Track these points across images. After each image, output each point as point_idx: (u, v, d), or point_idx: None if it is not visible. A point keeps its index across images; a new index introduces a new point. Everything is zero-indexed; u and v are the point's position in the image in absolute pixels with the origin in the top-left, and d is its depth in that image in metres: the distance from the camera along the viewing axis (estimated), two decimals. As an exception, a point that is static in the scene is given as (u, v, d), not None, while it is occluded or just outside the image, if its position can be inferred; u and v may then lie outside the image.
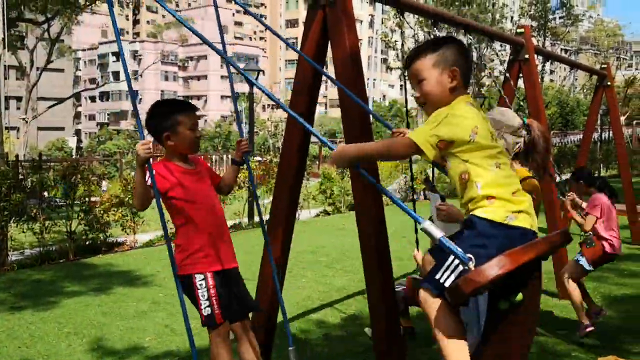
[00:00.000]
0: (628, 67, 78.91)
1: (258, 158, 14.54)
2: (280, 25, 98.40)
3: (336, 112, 69.92)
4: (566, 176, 20.44)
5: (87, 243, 9.95)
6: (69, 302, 6.91)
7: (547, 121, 6.15)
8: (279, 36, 4.09)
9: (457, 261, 2.28)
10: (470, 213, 2.41)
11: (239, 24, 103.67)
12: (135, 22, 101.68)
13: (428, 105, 2.50)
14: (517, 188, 2.43)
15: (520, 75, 7.04)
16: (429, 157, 2.35)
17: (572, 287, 5.53)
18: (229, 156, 39.59)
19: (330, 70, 4.19)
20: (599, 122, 24.34)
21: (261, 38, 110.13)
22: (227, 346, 3.41)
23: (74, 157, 47.53)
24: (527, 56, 6.93)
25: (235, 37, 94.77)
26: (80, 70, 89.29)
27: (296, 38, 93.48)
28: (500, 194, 2.36)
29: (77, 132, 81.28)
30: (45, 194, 10.16)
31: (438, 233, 2.28)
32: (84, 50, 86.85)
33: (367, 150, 2.56)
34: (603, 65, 9.82)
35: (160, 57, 78.60)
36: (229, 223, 12.44)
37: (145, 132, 3.38)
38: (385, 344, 3.78)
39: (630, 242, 10.04)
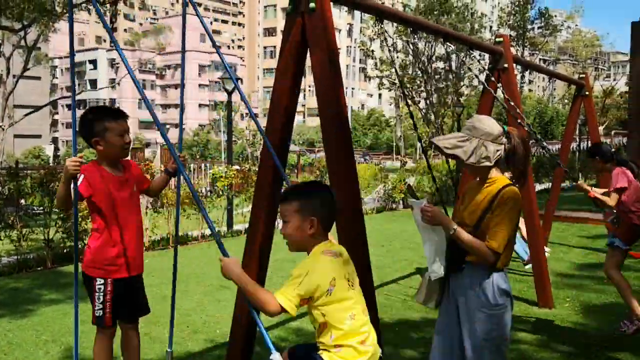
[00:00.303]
0: (606, 78, 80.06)
1: (237, 167, 14.48)
2: (258, 34, 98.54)
3: (315, 121, 70.01)
4: (544, 185, 20.59)
5: (65, 251, 9.80)
6: (46, 310, 6.82)
7: (526, 131, 6.22)
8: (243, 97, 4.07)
9: None
10: (320, 352, 2.63)
11: (217, 32, 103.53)
12: (113, 30, 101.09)
13: (289, 243, 2.74)
14: (366, 336, 2.63)
15: (499, 84, 7.11)
16: (293, 315, 2.54)
17: (618, 278, 5.51)
18: (207, 165, 39.47)
19: (310, 78, 4.20)
20: (577, 132, 24.68)
21: (239, 47, 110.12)
22: (108, 345, 3.84)
23: (50, 164, 46.95)
24: (505, 65, 7.01)
25: (213, 46, 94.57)
26: (57, 78, 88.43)
27: (274, 46, 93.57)
28: (348, 344, 2.58)
29: (54, 140, 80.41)
30: (23, 201, 10.00)
31: None
32: (60, 58, 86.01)
33: (245, 287, 2.60)
34: (581, 75, 9.94)
35: (138, 66, 78.19)
36: (209, 231, 12.42)
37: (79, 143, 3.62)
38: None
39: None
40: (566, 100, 71.00)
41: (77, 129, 3.64)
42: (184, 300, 7.19)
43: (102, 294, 3.66)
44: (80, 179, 3.47)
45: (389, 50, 5.27)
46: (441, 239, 3.32)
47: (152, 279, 8.47)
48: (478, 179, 3.35)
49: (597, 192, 5.80)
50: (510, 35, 33.30)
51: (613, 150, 5.96)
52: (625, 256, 5.69)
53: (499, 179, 3.27)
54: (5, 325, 6.25)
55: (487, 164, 3.23)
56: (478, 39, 22.73)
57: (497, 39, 7.17)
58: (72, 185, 3.41)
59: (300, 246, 2.71)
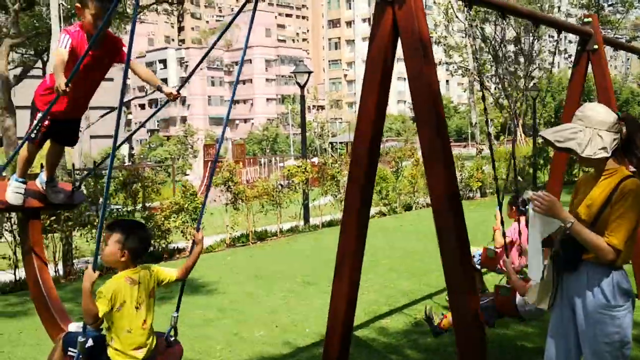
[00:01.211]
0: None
1: (314, 159, 14.42)
2: (323, 26, 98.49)
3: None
4: None
5: (150, 250, 10.01)
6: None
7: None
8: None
9: None
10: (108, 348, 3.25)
11: (281, 26, 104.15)
12: (180, 29, 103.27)
13: (104, 261, 3.36)
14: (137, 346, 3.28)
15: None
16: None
17: None
18: (277, 159, 39.81)
19: (401, 66, 4.04)
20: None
21: (304, 39, 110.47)
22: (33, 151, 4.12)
23: (126, 163, 48.46)
24: (595, 46, 6.65)
25: (279, 40, 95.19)
26: (129, 78, 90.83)
27: (338, 38, 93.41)
28: (122, 349, 3.24)
29: (129, 139, 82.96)
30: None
31: None
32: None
33: (85, 297, 3.19)
34: (670, 52, 9.35)
35: (206, 63, 79.62)
36: (286, 226, 12.47)
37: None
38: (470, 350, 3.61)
39: None
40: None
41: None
42: (269, 298, 7.18)
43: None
44: (67, 41, 3.71)
45: (466, 35, 5.04)
46: (545, 233, 3.08)
47: (237, 277, 8.55)
48: (594, 171, 3.12)
49: None
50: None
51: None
52: None
53: (618, 170, 3.04)
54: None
55: (604, 155, 2.99)
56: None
57: (586, 19, 6.79)
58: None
59: (112, 265, 3.35)
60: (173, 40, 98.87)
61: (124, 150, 64.08)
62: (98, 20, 3.74)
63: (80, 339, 3.21)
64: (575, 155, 3.04)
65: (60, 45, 3.74)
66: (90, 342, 3.23)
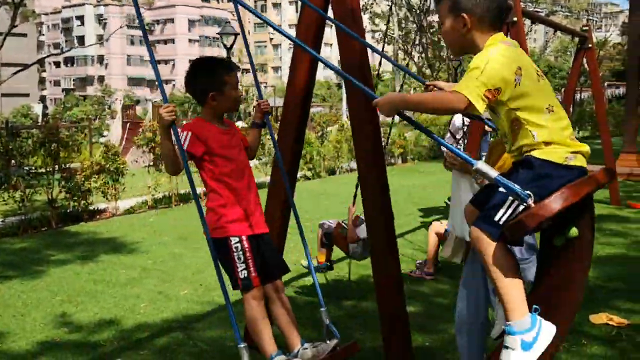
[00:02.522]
0: (598, 29, 79.55)
1: (239, 123, 14.39)
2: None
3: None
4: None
5: (69, 211, 9.81)
6: (57, 271, 6.84)
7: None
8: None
9: (514, 200, 2.32)
10: (527, 154, 2.43)
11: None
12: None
13: (451, 49, 2.62)
14: (571, 130, 2.47)
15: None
16: (480, 111, 2.33)
17: None
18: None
19: (327, 32, 4.14)
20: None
21: (228, 0, 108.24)
22: (262, 308, 3.32)
23: (39, 123, 46.52)
24: (515, 19, 6.92)
25: (203, 0, 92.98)
26: (43, 35, 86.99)
27: (265, 0, 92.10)
28: (558, 139, 2.40)
29: (42, 99, 79.56)
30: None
31: (493, 173, 2.31)
32: (46, 14, 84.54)
33: (415, 102, 2.54)
34: (584, 28, 9.87)
35: (126, 21, 76.89)
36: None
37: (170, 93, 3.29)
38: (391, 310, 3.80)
39: (609, 202, 10.26)
40: (559, 53, 70.70)
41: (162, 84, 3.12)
42: (194, 259, 7.22)
43: (241, 252, 3.25)
44: (188, 138, 3.18)
45: (392, 3, 5.17)
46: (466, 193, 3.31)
47: (161, 237, 8.53)
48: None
49: None
50: (506, -13, 32.84)
51: None
52: None
53: None
54: (18, 286, 6.26)
55: None
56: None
57: (506, -8, 7.05)
58: (181, 138, 3.11)
59: (462, 49, 2.59)
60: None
61: (38, 109, 61.48)
62: None
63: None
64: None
65: None
66: None
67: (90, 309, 5.52)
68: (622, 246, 7.45)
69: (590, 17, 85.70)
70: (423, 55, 31.96)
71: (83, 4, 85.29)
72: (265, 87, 75.62)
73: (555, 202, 2.25)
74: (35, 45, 69.02)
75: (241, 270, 3.23)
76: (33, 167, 9.77)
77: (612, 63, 56.70)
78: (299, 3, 4.14)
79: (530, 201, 2.25)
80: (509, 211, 2.35)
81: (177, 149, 3.07)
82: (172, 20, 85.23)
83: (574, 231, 2.47)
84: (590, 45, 9.76)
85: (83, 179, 9.77)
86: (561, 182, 2.34)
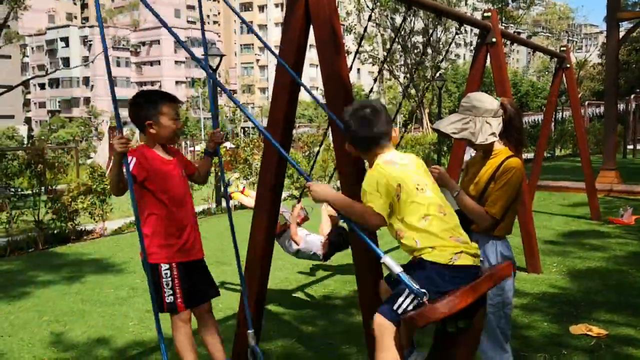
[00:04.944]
0: (578, 50, 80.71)
1: (228, 144, 14.45)
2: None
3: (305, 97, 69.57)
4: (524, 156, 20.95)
5: (56, 232, 9.83)
6: (44, 292, 6.86)
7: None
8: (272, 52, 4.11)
9: (412, 294, 2.63)
10: (418, 257, 2.74)
11: (191, 7, 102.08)
12: (84, 6, 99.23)
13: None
14: (454, 230, 2.79)
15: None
16: (386, 224, 2.76)
17: None
18: (187, 143, 39.26)
19: (313, 54, 4.24)
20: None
21: (215, 22, 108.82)
22: (187, 330, 3.63)
23: (24, 145, 46.31)
24: (494, 39, 7.12)
25: (189, 22, 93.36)
26: (27, 56, 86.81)
27: (251, 22, 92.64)
28: (440, 243, 2.72)
29: (28, 120, 79.21)
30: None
31: (397, 268, 2.66)
32: (30, 35, 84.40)
33: (343, 207, 2.85)
34: (562, 48, 10.12)
35: (111, 43, 77.03)
36: (198, 209, 12.49)
37: (125, 122, 3.53)
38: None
39: (589, 218, 10.47)
40: (541, 73, 71.59)
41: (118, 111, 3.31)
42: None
43: (170, 279, 3.54)
44: (133, 162, 3.37)
45: (377, 24, 5.31)
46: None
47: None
48: (482, 153, 3.45)
49: None
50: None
51: None
52: None
53: (502, 150, 3.38)
54: (5, 307, 6.28)
55: (494, 139, 3.33)
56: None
57: (486, 14, 7.26)
58: (124, 168, 3.29)
59: (364, 158, 3.02)
60: (76, 17, 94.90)
61: (23, 131, 61.13)
62: None
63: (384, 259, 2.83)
64: (469, 143, 3.38)
65: None
66: None
67: (78, 329, 5.55)
68: (602, 260, 7.60)
69: (571, 38, 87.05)
70: (408, 75, 32.29)
71: (67, 26, 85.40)
72: (253, 107, 75.91)
73: (443, 308, 2.56)
74: (19, 67, 68.79)
75: (168, 295, 3.55)
76: (19, 189, 9.80)
77: (592, 83, 57.51)
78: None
79: (425, 299, 2.59)
80: (407, 301, 2.65)
81: (125, 173, 3.27)
82: (158, 42, 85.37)
83: (466, 322, 2.82)
84: (568, 65, 10.00)
85: (70, 200, 9.81)
86: (453, 282, 2.67)
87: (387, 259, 2.67)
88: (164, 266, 3.52)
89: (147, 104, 3.58)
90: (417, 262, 2.75)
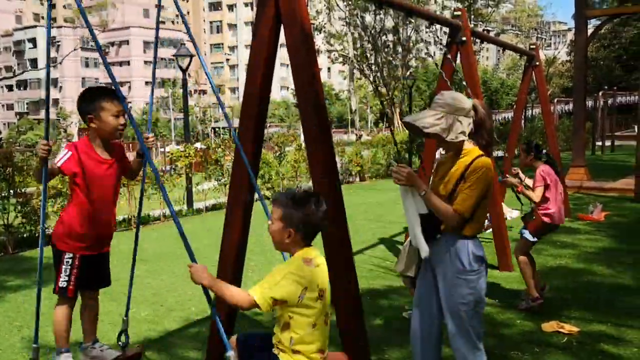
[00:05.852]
0: (547, 47, 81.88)
1: (198, 145, 14.36)
2: (203, 8, 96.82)
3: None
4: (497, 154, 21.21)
5: (26, 236, 9.67)
6: (14, 296, 6.75)
7: (483, 100, 6.40)
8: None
9: None
10: (276, 352, 2.85)
11: (161, 7, 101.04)
12: (51, 6, 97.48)
13: (273, 241, 2.91)
14: (322, 345, 2.88)
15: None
16: (264, 311, 2.74)
17: (523, 262, 5.76)
18: (158, 144, 38.97)
19: (284, 52, 4.20)
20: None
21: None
22: (68, 311, 3.99)
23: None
24: (464, 38, 7.19)
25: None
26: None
27: (220, 21, 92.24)
28: (305, 351, 2.81)
29: (-6, 123, 77.74)
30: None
31: None
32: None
33: (218, 290, 2.82)
34: (532, 46, 10.26)
35: (80, 43, 75.95)
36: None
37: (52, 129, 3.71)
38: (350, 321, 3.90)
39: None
40: (511, 71, 72.40)
41: (50, 112, 3.70)
42: (154, 279, 7.21)
43: (69, 266, 3.84)
44: (68, 156, 3.68)
45: (347, 23, 5.32)
46: (420, 209, 3.41)
47: (121, 260, 8.45)
48: (452, 152, 3.46)
49: (524, 189, 5.93)
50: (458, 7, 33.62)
51: (544, 151, 6.15)
52: (531, 246, 5.87)
53: (472, 150, 3.40)
54: (-25, 312, 6.17)
55: (463, 138, 3.35)
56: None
57: (455, 13, 7.32)
58: (57, 158, 3.69)
59: (280, 248, 2.94)
60: (43, 18, 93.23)
61: (-10, 134, 60.02)
62: None
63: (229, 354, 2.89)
64: (439, 139, 3.39)
65: None
66: None
67: (50, 334, 5.43)
68: (572, 257, 7.72)
69: (540, 36, 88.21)
70: (378, 74, 32.41)
71: (35, 26, 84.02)
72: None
73: None
74: (-15, 68, 67.56)
75: (62, 281, 3.88)
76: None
77: (561, 80, 58.34)
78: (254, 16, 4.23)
79: None
80: None
81: (52, 165, 3.65)
82: (127, 42, 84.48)
83: None
84: (538, 63, 10.14)
85: (39, 203, 9.64)
86: None
87: (231, 354, 2.83)
88: (68, 255, 3.83)
89: (89, 99, 3.78)
90: (269, 357, 2.89)
